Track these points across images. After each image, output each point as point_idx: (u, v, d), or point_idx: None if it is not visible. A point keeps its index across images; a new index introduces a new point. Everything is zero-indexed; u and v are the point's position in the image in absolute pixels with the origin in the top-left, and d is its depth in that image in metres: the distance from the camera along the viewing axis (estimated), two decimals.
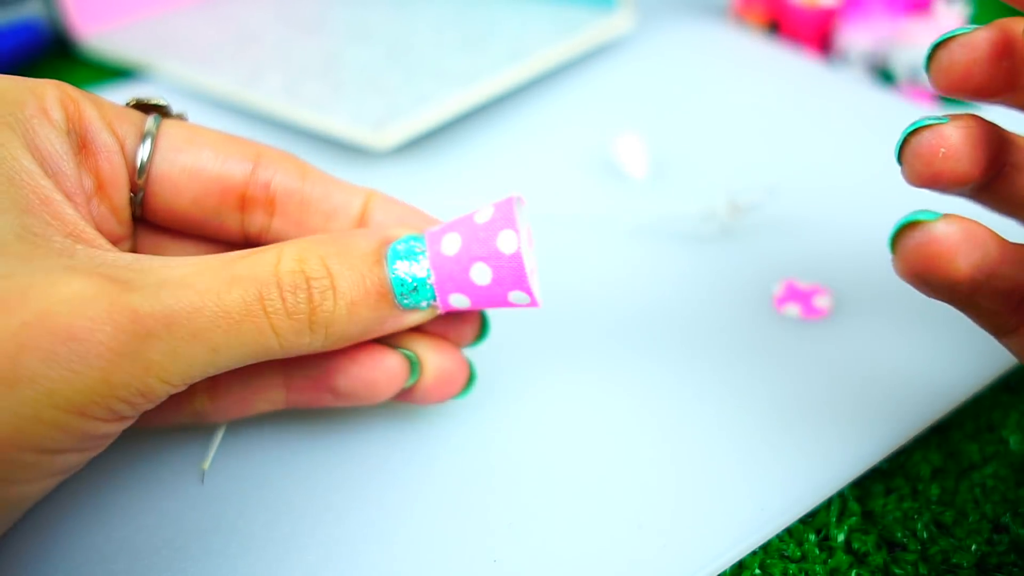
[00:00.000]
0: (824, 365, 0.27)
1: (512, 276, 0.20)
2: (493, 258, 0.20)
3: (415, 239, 0.21)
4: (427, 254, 0.21)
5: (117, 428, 0.18)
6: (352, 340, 0.21)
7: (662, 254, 0.33)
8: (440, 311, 0.22)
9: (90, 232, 0.19)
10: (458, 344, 0.24)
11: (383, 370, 0.22)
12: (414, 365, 0.23)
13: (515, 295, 0.21)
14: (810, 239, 0.32)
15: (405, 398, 0.24)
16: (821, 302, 0.29)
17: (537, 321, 0.29)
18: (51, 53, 0.56)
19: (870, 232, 0.33)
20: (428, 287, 0.21)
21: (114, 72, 0.52)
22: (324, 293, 0.19)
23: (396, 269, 0.20)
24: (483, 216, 0.21)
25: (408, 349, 0.23)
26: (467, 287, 0.21)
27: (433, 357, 0.23)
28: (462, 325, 0.24)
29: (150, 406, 0.18)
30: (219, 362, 0.18)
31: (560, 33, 0.47)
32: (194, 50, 0.50)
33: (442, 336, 0.24)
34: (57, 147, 0.19)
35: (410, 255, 0.21)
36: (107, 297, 0.17)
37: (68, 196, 0.19)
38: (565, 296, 0.31)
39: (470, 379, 0.24)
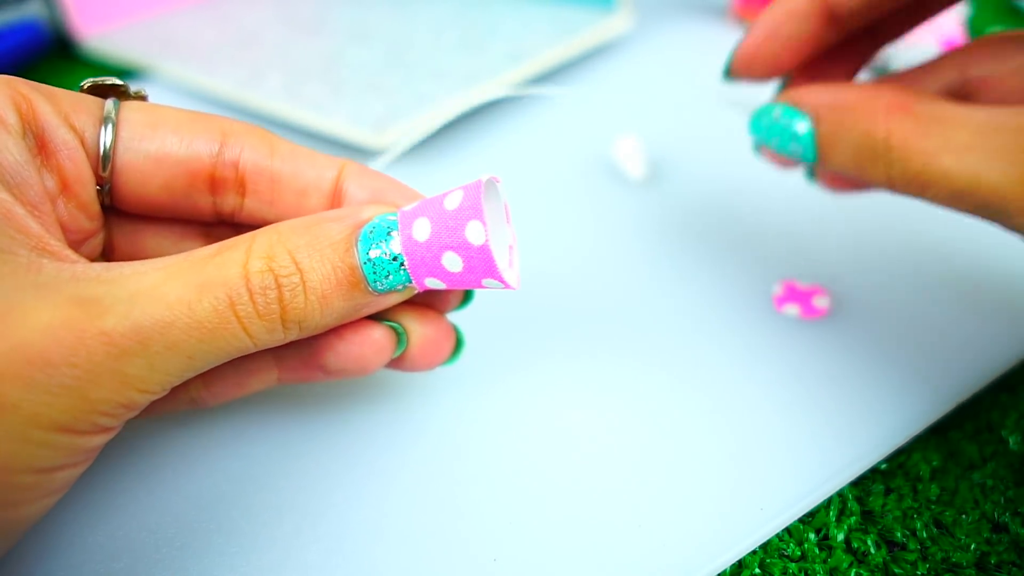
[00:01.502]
0: (823, 365, 0.27)
1: (483, 266, 0.20)
2: (463, 248, 0.20)
3: (387, 221, 0.20)
4: (399, 239, 0.20)
5: (104, 439, 0.18)
6: (328, 328, 0.21)
7: (662, 254, 0.33)
8: (418, 290, 0.21)
9: (55, 244, 0.18)
10: (443, 311, 0.24)
11: (370, 344, 0.22)
12: (400, 336, 0.23)
13: (488, 281, 0.20)
14: (810, 239, 0.33)
15: (395, 366, 0.24)
16: (820, 302, 0.29)
17: (537, 321, 0.29)
18: (52, 54, 0.56)
19: (870, 232, 0.33)
20: (402, 272, 0.20)
21: (115, 73, 0.52)
22: (294, 290, 0.19)
23: (369, 256, 0.20)
24: (452, 202, 0.20)
25: (393, 320, 0.23)
26: (440, 272, 0.20)
27: (418, 327, 0.23)
28: (446, 293, 0.24)
29: (133, 415, 0.18)
30: (196, 366, 0.18)
31: (559, 34, 0.47)
32: (194, 51, 0.50)
33: (427, 305, 0.24)
34: (15, 155, 0.19)
35: (382, 240, 0.20)
36: (78, 323, 0.17)
37: (32, 206, 0.19)
38: (564, 295, 0.31)
39: (457, 346, 0.24)
